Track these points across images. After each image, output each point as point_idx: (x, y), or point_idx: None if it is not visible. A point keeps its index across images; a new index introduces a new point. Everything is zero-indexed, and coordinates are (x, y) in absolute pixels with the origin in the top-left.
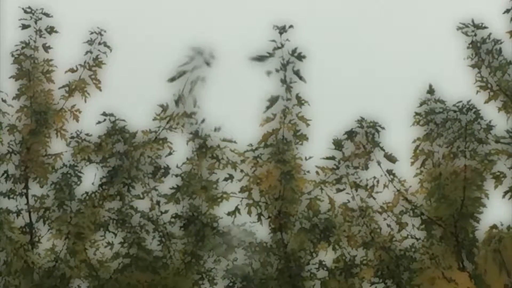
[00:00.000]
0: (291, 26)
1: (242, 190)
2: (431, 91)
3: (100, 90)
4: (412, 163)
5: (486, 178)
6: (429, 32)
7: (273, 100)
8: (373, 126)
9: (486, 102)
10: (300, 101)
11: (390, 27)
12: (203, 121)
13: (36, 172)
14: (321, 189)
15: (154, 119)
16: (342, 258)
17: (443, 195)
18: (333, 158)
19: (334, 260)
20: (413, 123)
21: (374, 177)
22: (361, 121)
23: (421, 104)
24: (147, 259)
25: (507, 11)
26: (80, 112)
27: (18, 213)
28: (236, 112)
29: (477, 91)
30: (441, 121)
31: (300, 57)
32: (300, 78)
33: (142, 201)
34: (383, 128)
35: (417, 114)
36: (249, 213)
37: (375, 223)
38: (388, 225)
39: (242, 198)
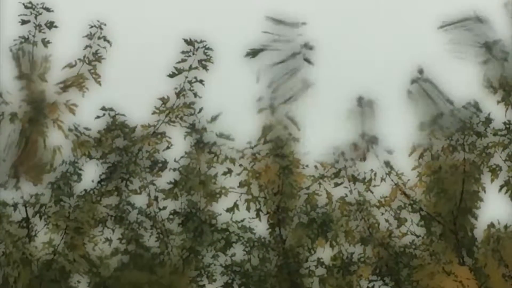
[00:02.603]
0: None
1: (241, 184)
2: (420, 71)
3: (100, 84)
4: (410, 154)
5: (483, 172)
6: (429, 26)
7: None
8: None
9: (486, 97)
10: None
11: (389, 19)
12: (200, 110)
13: (28, 176)
14: (319, 183)
15: (153, 113)
16: (339, 256)
17: (443, 189)
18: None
19: (332, 258)
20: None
21: (372, 170)
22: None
23: (411, 83)
24: (145, 256)
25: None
26: (76, 106)
27: (15, 206)
28: (234, 106)
29: (478, 87)
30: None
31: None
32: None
33: (140, 197)
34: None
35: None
36: (248, 209)
37: (373, 218)
38: (386, 220)
39: (241, 193)
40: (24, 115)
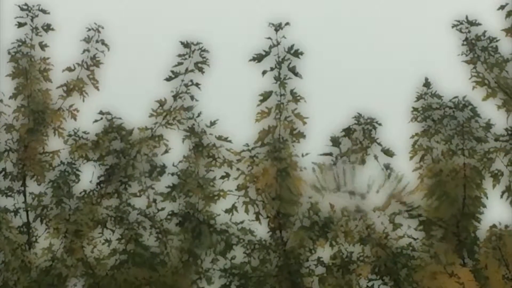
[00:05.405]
0: (287, 24)
1: (238, 188)
2: (427, 84)
3: (98, 90)
4: (411, 158)
5: (485, 177)
6: (425, 27)
7: (266, 95)
8: (370, 123)
9: (484, 99)
10: (295, 97)
11: (387, 23)
12: (199, 114)
13: (33, 170)
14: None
15: (151, 115)
16: (339, 255)
17: (445, 192)
18: (330, 154)
19: (331, 257)
20: (411, 119)
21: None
22: (358, 117)
23: (418, 99)
24: (145, 255)
25: (502, 7)
26: (78, 111)
27: (16, 212)
28: (232, 109)
29: (473, 87)
30: (438, 118)
31: (297, 54)
32: (296, 74)
33: (139, 198)
34: (380, 124)
35: (414, 109)
36: (246, 211)
37: (370, 219)
38: (382, 223)
39: (239, 196)
40: (22, 126)
